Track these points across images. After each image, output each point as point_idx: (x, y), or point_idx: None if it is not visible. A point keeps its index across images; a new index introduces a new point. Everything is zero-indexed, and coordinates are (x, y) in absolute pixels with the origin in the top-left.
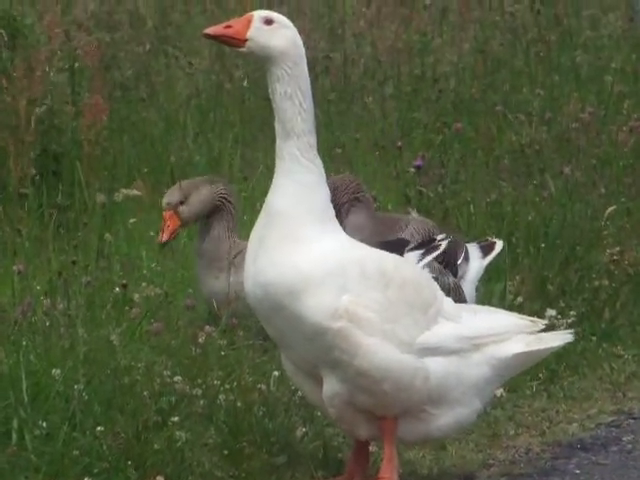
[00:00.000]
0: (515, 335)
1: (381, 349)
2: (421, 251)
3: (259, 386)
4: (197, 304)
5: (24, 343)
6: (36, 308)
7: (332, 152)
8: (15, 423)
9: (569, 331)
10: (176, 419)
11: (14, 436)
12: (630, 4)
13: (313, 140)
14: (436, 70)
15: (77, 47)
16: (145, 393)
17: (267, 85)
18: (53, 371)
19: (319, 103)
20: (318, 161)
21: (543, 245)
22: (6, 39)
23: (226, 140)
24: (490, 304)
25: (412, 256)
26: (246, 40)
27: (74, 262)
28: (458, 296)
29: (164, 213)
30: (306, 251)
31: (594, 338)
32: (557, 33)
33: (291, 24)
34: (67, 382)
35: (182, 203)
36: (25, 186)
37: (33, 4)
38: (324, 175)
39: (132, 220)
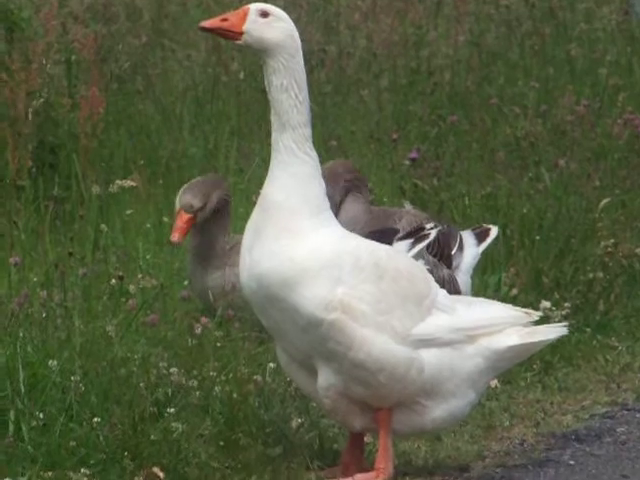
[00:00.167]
0: (509, 327)
1: (376, 340)
2: (410, 240)
3: (255, 377)
4: (193, 296)
5: (21, 335)
6: (33, 300)
7: (327, 144)
8: (12, 414)
9: (563, 324)
10: (172, 410)
11: (11, 427)
12: None
13: (309, 132)
14: (431, 63)
15: (74, 40)
16: (141, 384)
17: (263, 77)
18: (50, 362)
19: (314, 96)
20: (314, 153)
21: (538, 237)
22: (3, 32)
23: (222, 132)
24: (485, 296)
25: (401, 245)
26: (242, 33)
27: (70, 254)
28: (453, 288)
29: (183, 214)
30: (301, 243)
31: (588, 330)
32: (552, 26)
33: (287, 16)
34: (64, 373)
35: (201, 210)
36: (22, 178)
37: None
38: (319, 167)
39: (128, 212)
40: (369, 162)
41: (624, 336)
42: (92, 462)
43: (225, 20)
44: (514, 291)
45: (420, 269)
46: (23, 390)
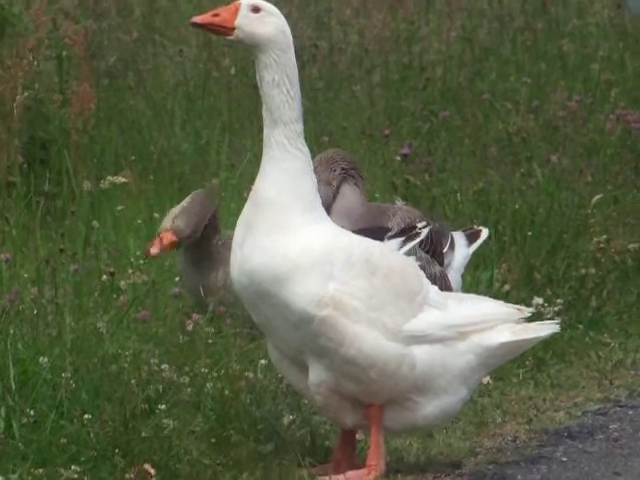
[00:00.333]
0: (501, 323)
1: (367, 337)
2: (402, 238)
3: (246, 374)
4: (184, 292)
5: (11, 331)
6: (23, 296)
7: (319, 140)
8: (2, 411)
9: (556, 321)
10: (163, 407)
11: (1, 424)
12: None
13: (300, 128)
14: (423, 58)
15: (65, 35)
16: (132, 381)
17: (254, 73)
18: (40, 359)
19: (306, 91)
20: (305, 149)
21: (530, 233)
22: None
23: (213, 128)
24: (477, 292)
25: (393, 243)
26: (234, 28)
27: (62, 250)
28: (444, 285)
29: (169, 235)
30: (293, 239)
31: (581, 326)
32: (544, 21)
33: (278, 12)
34: (54, 370)
35: (188, 237)
36: (13, 174)
37: None
38: (311, 163)
39: (119, 207)
40: (361, 158)
41: (617, 332)
42: (83, 459)
43: (216, 15)
44: (506, 287)
45: (412, 266)
46: (14, 387)
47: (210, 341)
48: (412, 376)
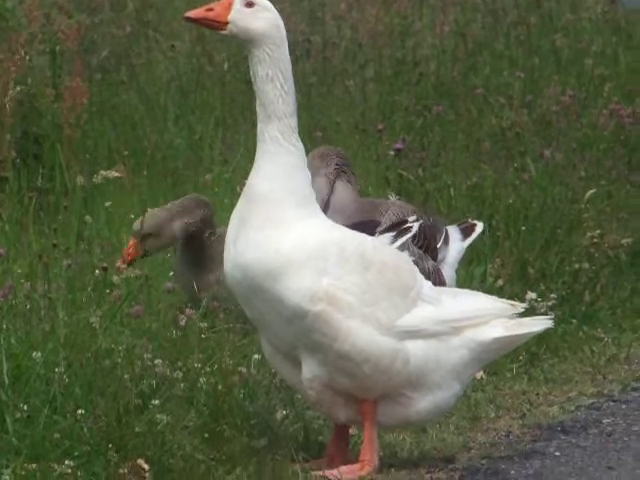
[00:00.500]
0: (495, 318)
1: (361, 332)
2: (392, 233)
3: (240, 369)
4: (178, 287)
5: (4, 326)
6: (17, 291)
7: (312, 135)
8: None
9: (549, 316)
10: (157, 402)
11: None
12: None
13: (294, 123)
14: (417, 53)
15: (57, 30)
16: (126, 376)
17: (248, 68)
18: (34, 354)
19: (299, 86)
20: (299, 144)
21: (523, 228)
22: None
23: (207, 123)
24: (470, 287)
25: (383, 238)
26: (227, 23)
27: (54, 245)
28: (438, 280)
29: (131, 239)
30: (286, 233)
31: (574, 321)
32: (537, 16)
33: (272, 6)
34: (48, 365)
35: (150, 235)
36: (5, 169)
37: None
38: (305, 158)
39: (107, 204)
40: (354, 153)
41: (610, 327)
42: (76, 454)
43: (210, 10)
44: (500, 282)
45: (406, 261)
46: (7, 382)
47: (203, 336)
48: (406, 371)
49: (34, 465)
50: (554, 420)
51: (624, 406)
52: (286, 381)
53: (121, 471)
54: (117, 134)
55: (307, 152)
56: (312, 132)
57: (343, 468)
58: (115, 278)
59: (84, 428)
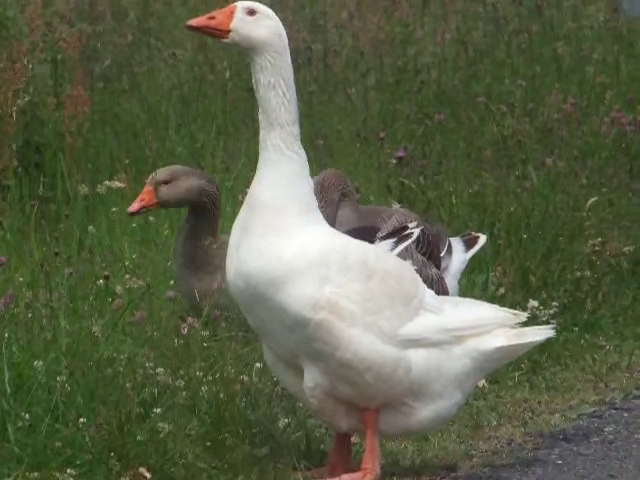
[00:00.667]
0: (497, 328)
1: (363, 340)
2: (393, 239)
3: (241, 377)
4: (179, 296)
5: (6, 335)
6: (18, 300)
7: (314, 143)
8: None
9: (551, 326)
10: (159, 410)
11: None
12: None
13: (297, 130)
14: (418, 61)
15: (59, 39)
16: (127, 384)
17: (250, 76)
18: (35, 363)
19: (301, 94)
20: (301, 152)
21: (525, 236)
22: None
23: (208, 131)
24: (472, 295)
25: (384, 245)
26: (229, 31)
27: (56, 254)
28: (441, 288)
29: (145, 187)
30: (288, 240)
31: (576, 329)
32: (539, 24)
33: (274, 15)
34: (49, 374)
35: (166, 183)
36: (7, 178)
37: None
38: (307, 166)
39: (114, 209)
40: (356, 161)
41: (612, 335)
42: (78, 462)
43: (212, 18)
44: (501, 290)
45: (408, 269)
46: (9, 391)
47: (205, 344)
48: (408, 380)
49: (36, 474)
50: (556, 428)
51: (626, 414)
52: (288, 389)
53: (123, 479)
54: (119, 142)
55: (308, 160)
56: (314, 140)
57: (345, 476)
58: (117, 287)
59: (86, 437)
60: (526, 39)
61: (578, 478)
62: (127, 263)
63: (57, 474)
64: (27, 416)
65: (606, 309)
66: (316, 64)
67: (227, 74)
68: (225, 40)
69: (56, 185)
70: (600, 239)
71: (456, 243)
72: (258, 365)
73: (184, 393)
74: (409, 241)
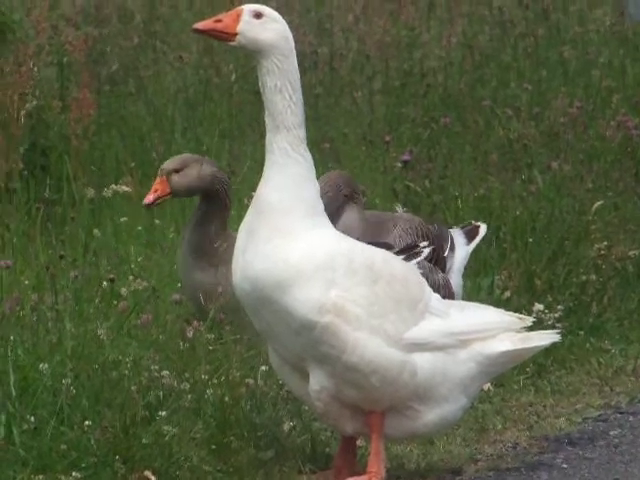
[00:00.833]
0: (503, 332)
1: (369, 343)
2: (402, 257)
3: (247, 380)
4: (185, 299)
5: (12, 338)
6: (24, 303)
7: (320, 146)
8: (3, 417)
9: (556, 330)
10: (164, 413)
11: (2, 430)
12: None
13: (303, 134)
14: (424, 65)
15: (65, 42)
16: (133, 387)
17: (256, 79)
18: (41, 365)
19: (307, 97)
20: (308, 155)
21: (531, 240)
22: None
23: (214, 134)
24: (478, 299)
25: None
26: (236, 34)
27: (62, 257)
28: (447, 292)
29: (158, 177)
30: (295, 244)
31: (582, 333)
32: (545, 28)
33: (280, 18)
34: (55, 376)
35: (177, 172)
36: (13, 181)
37: None
38: (314, 169)
39: (122, 219)
40: (361, 164)
41: (617, 339)
42: (83, 465)
43: (219, 21)
44: (507, 294)
45: (414, 273)
46: (14, 393)
47: (210, 347)
48: (413, 383)
49: (41, 476)
50: (561, 432)
51: (631, 418)
52: (293, 392)
53: None
54: (125, 145)
55: (315, 163)
56: (320, 143)
57: None
58: (122, 290)
59: (91, 439)
60: (532, 43)
61: None
62: (133, 266)
63: (62, 477)
64: (32, 419)
65: (612, 313)
66: (322, 67)
67: (233, 77)
68: (232, 43)
69: (62, 188)
70: (606, 243)
71: (457, 236)
72: (263, 368)
73: (189, 396)
74: (418, 259)
